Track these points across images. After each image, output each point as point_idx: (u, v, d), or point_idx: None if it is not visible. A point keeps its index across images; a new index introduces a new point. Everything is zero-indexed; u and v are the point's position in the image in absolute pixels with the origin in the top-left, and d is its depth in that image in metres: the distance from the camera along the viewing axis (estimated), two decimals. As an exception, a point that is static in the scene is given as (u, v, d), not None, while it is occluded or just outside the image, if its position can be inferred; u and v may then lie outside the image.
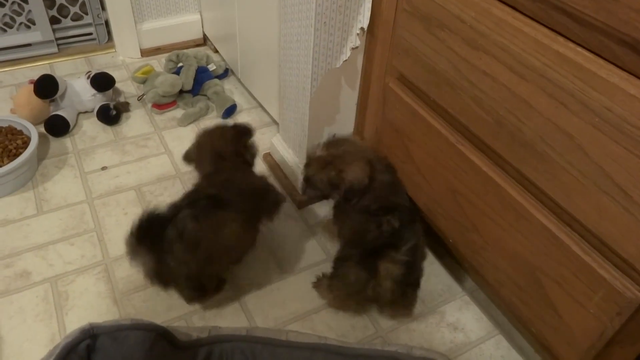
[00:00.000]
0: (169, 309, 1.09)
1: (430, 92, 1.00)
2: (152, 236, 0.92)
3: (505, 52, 0.79)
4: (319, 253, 1.24)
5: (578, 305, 0.80)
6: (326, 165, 1.04)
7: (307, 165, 1.08)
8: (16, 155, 1.32)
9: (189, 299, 1.05)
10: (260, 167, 1.46)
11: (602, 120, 0.68)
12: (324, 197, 1.11)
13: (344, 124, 1.32)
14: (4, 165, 1.28)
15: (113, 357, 0.78)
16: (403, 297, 1.04)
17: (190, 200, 0.98)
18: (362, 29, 1.11)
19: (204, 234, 0.94)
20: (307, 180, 1.09)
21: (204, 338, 0.88)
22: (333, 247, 1.25)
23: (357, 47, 1.14)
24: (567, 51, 0.70)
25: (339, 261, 1.07)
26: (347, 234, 1.10)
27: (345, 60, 1.16)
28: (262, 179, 1.17)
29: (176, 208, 0.96)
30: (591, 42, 0.68)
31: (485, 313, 1.13)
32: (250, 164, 1.18)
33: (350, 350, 0.89)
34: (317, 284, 1.16)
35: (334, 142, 1.07)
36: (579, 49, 0.69)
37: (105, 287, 1.12)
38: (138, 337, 0.79)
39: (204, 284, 1.02)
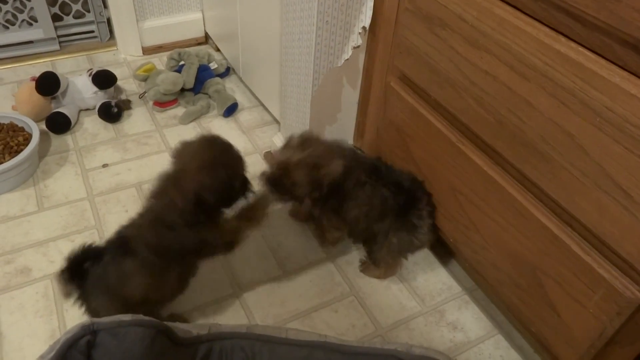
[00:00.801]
0: (167, 308, 1.09)
1: (431, 91, 1.00)
2: (80, 275, 0.88)
3: (506, 51, 0.79)
4: (319, 252, 1.24)
5: (578, 305, 0.80)
6: (310, 168, 1.02)
7: (287, 171, 1.03)
8: (17, 152, 1.32)
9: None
10: (261, 166, 1.47)
11: (603, 120, 0.68)
12: (294, 199, 1.09)
13: (345, 123, 1.32)
14: (5, 161, 1.29)
15: (113, 353, 0.78)
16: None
17: (109, 240, 0.92)
18: (364, 28, 1.12)
19: (111, 283, 0.87)
20: (284, 184, 1.04)
21: (204, 335, 0.88)
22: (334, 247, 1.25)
23: (358, 46, 1.15)
24: (569, 51, 0.70)
25: (370, 240, 1.12)
26: (357, 218, 1.11)
27: (347, 59, 1.16)
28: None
29: (104, 247, 0.91)
30: (593, 42, 0.68)
31: (484, 313, 1.13)
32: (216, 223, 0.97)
33: (350, 348, 0.89)
34: (364, 268, 1.19)
35: (306, 142, 1.05)
36: (581, 48, 0.70)
37: (106, 284, 1.12)
38: (138, 333, 0.79)
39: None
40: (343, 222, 1.15)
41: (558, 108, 0.74)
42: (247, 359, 0.89)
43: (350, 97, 1.27)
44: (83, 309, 0.91)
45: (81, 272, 0.88)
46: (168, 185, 0.90)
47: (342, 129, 1.33)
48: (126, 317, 0.80)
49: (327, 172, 1.02)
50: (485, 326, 1.11)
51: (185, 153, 0.92)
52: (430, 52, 0.96)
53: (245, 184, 0.97)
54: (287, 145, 1.07)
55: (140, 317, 0.81)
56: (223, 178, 0.89)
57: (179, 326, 0.88)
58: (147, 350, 0.79)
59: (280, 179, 1.04)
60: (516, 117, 0.81)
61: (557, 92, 0.73)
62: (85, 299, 0.90)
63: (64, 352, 0.75)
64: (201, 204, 0.89)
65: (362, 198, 1.08)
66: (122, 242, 0.90)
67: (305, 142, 1.05)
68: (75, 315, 1.06)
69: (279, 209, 1.33)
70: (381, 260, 1.14)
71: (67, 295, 0.90)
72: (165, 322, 0.84)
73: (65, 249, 1.19)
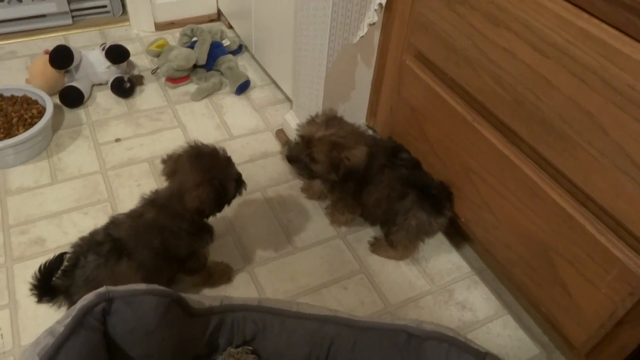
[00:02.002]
0: (180, 281, 1.10)
1: (447, 69, 0.99)
2: (50, 285, 0.93)
3: (526, 28, 0.78)
4: (329, 229, 1.24)
5: (590, 285, 0.80)
6: (332, 147, 1.03)
7: (309, 146, 1.04)
8: (31, 125, 1.33)
9: None
10: (272, 143, 1.47)
11: (624, 99, 0.67)
12: (312, 177, 1.10)
13: (358, 102, 1.31)
14: (20, 134, 1.29)
15: (128, 320, 0.79)
16: None
17: (96, 242, 0.94)
18: (380, 4, 1.10)
19: (104, 284, 0.85)
20: (303, 159, 1.05)
21: (216, 306, 0.89)
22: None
23: (374, 23, 1.14)
24: (591, 27, 0.69)
25: (389, 221, 1.12)
26: (379, 201, 1.11)
27: (362, 37, 1.15)
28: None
29: (80, 248, 0.94)
30: (616, 19, 0.67)
31: (493, 293, 1.14)
32: (208, 232, 1.01)
33: (359, 322, 0.89)
34: (377, 249, 1.19)
35: (331, 121, 1.05)
36: (604, 25, 0.69)
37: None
38: (152, 302, 0.80)
39: None
40: (359, 205, 1.16)
41: (578, 86, 0.73)
42: (258, 331, 0.90)
43: (364, 75, 1.26)
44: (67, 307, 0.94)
45: (50, 286, 0.93)
46: (179, 196, 0.95)
47: (355, 108, 1.32)
48: (141, 286, 0.81)
49: (349, 155, 1.03)
50: (494, 306, 1.11)
51: (179, 169, 0.97)
52: (448, 29, 0.95)
53: (238, 184, 1.02)
54: (312, 121, 1.07)
55: (155, 286, 0.82)
56: (218, 187, 0.95)
57: (191, 297, 0.89)
58: (161, 319, 0.80)
59: (300, 153, 1.04)
60: (534, 95, 0.80)
61: (577, 70, 0.72)
62: (70, 299, 0.93)
63: (80, 318, 0.76)
64: (202, 213, 0.97)
65: (383, 182, 1.08)
66: (116, 244, 0.93)
67: (331, 120, 1.05)
68: (88, 286, 1.07)
69: (289, 185, 1.34)
70: (399, 243, 1.14)
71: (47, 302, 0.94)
72: (178, 293, 0.85)
73: (78, 221, 1.21)
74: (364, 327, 0.89)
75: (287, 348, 0.90)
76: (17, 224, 1.19)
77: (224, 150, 1.00)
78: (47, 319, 1.01)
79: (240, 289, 1.10)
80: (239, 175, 1.02)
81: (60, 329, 0.74)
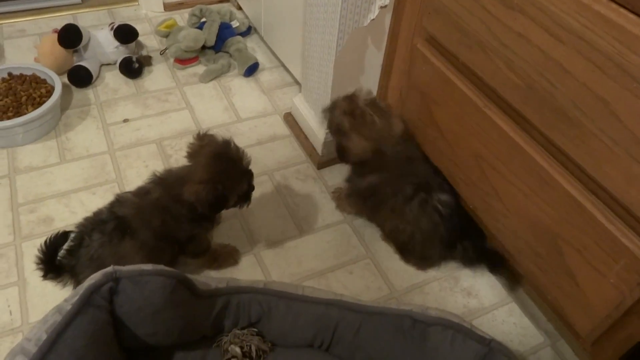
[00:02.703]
0: (185, 264, 1.11)
1: (459, 54, 0.97)
2: (56, 263, 0.94)
3: (542, 12, 0.76)
4: (336, 213, 1.24)
5: (598, 274, 0.80)
6: (350, 114, 1.05)
7: (334, 108, 1.10)
8: (40, 104, 1.33)
9: None
10: (280, 127, 1.46)
11: (640, 86, 0.66)
12: (344, 148, 1.10)
13: (368, 86, 1.29)
14: (29, 112, 1.30)
15: (134, 300, 0.80)
16: None
17: (101, 220, 0.95)
18: (392, -14, 1.08)
19: (108, 262, 0.88)
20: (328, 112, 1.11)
21: (222, 288, 0.89)
22: (330, 178, 1.25)
23: (385, 6, 1.12)
24: (609, 12, 0.68)
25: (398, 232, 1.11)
26: (395, 230, 1.12)
27: (373, 19, 1.13)
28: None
29: (85, 227, 0.95)
30: (635, 3, 0.65)
31: (499, 280, 1.13)
32: (211, 221, 1.02)
33: (365, 307, 0.90)
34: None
35: (377, 106, 1.07)
36: (622, 10, 0.67)
37: (126, 236, 1.14)
38: (159, 282, 0.81)
39: None
40: (370, 213, 1.18)
41: (593, 72, 0.71)
42: (264, 313, 0.90)
43: (374, 59, 1.24)
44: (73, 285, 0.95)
45: (56, 263, 0.95)
46: (182, 183, 0.94)
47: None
48: (147, 267, 0.81)
49: (349, 142, 1.06)
50: (500, 294, 1.11)
51: (198, 156, 0.96)
52: (461, 12, 0.93)
53: (240, 199, 1.00)
54: (370, 101, 1.08)
55: (161, 267, 0.83)
56: (219, 194, 0.93)
57: (198, 278, 0.89)
58: (167, 299, 0.81)
59: (345, 119, 1.06)
60: (547, 81, 0.79)
61: (593, 56, 0.71)
62: (76, 278, 0.94)
63: (87, 296, 0.76)
64: (194, 209, 0.94)
65: (406, 215, 1.08)
66: (120, 222, 0.93)
67: (380, 109, 1.07)
68: (96, 265, 1.08)
69: (297, 169, 1.33)
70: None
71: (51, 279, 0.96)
72: (184, 274, 0.85)
73: (86, 200, 1.21)
74: (369, 311, 0.89)
75: (292, 331, 0.91)
76: (25, 202, 1.20)
77: (248, 163, 0.99)
78: (55, 296, 1.02)
79: (246, 272, 1.11)
80: (247, 192, 1.01)
81: (68, 307, 0.75)
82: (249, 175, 1.00)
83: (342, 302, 0.91)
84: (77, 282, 0.95)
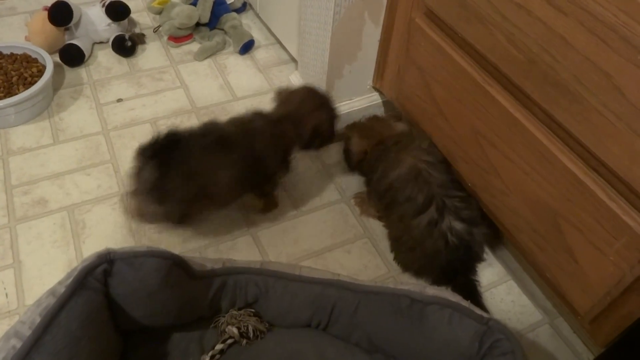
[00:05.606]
0: (184, 241, 1.10)
1: (458, 28, 0.95)
2: (163, 154, 0.92)
3: (544, -18, 0.74)
4: (334, 193, 1.23)
5: (597, 252, 0.79)
6: (351, 126, 1.24)
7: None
8: (31, 84, 1.31)
9: (171, 219, 1.01)
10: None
11: (644, 59, 0.64)
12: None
13: (365, 62, 1.27)
14: (20, 92, 1.27)
15: (129, 282, 0.79)
16: None
17: (206, 131, 0.99)
18: (389, -42, 1.05)
19: (200, 169, 0.95)
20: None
21: (218, 269, 0.89)
22: (348, 187, 1.24)
23: (383, -21, 1.09)
24: (614, -19, 0.65)
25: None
26: (397, 241, 1.10)
27: (370, -7, 1.10)
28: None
29: (191, 134, 0.97)
30: (641, -28, 0.63)
31: (497, 259, 1.13)
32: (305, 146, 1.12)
33: (362, 287, 0.89)
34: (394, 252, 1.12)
35: (377, 117, 1.25)
36: (627, -21, 0.64)
37: (121, 218, 1.13)
38: (154, 264, 0.80)
39: (187, 213, 1.01)
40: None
41: (596, 45, 0.69)
42: (261, 293, 0.90)
43: (372, 34, 1.21)
44: (148, 185, 0.92)
45: (165, 152, 0.93)
46: (285, 120, 1.06)
47: (362, 68, 1.28)
48: (142, 248, 0.80)
49: (351, 142, 1.20)
50: (498, 272, 1.11)
51: (294, 98, 1.11)
52: (460, -16, 0.90)
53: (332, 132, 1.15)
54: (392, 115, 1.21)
55: (156, 248, 0.82)
56: (332, 120, 1.12)
57: (194, 259, 0.88)
58: (163, 281, 0.80)
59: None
60: (549, 55, 0.77)
61: (596, 28, 0.68)
62: (162, 176, 0.92)
63: (81, 278, 0.76)
64: (317, 132, 1.08)
65: (413, 233, 1.04)
66: (220, 135, 0.98)
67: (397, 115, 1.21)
68: (91, 247, 1.08)
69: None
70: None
71: (142, 169, 0.93)
72: (180, 255, 0.84)
73: (81, 182, 1.20)
74: (366, 291, 0.89)
75: (290, 311, 0.90)
76: (19, 184, 1.18)
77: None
78: (51, 278, 1.02)
79: (243, 252, 1.10)
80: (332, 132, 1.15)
81: (62, 289, 0.74)
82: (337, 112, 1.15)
83: (340, 282, 0.90)
84: (159, 181, 0.92)
